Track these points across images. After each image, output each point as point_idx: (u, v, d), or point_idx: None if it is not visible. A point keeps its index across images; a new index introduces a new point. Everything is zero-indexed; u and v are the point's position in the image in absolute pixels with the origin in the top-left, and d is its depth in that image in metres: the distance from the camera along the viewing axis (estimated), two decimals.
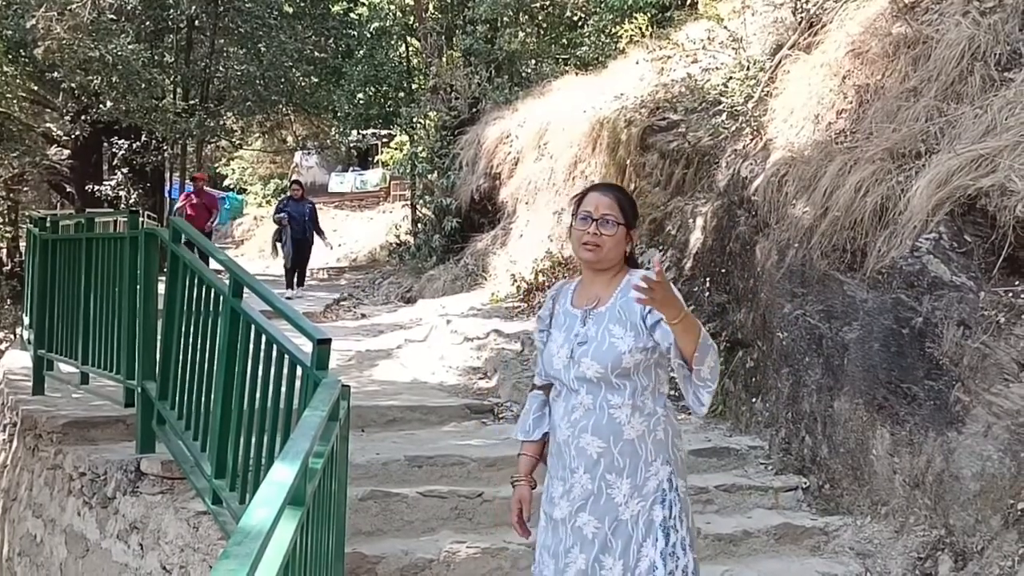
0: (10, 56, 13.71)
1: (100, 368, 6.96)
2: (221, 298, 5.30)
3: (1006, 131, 6.04)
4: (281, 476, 2.42)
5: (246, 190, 42.87)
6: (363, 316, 15.05)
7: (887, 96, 7.15)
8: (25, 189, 22.37)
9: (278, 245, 18.88)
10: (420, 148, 19.15)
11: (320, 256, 33.51)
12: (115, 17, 18.01)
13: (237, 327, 5.10)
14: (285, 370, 4.64)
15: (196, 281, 5.61)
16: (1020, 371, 5.42)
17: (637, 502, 3.61)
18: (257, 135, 28.69)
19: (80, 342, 7.16)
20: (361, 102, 21.46)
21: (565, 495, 3.66)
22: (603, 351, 3.59)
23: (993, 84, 6.54)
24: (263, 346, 4.79)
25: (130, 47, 16.23)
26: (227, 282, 5.33)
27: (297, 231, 17.84)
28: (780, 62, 8.73)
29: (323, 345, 4.23)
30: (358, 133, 23.91)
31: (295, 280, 18.11)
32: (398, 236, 21.16)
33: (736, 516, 6.24)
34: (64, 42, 14.31)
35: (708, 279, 8.18)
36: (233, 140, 25.00)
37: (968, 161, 6.02)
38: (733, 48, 9.80)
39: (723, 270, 8.08)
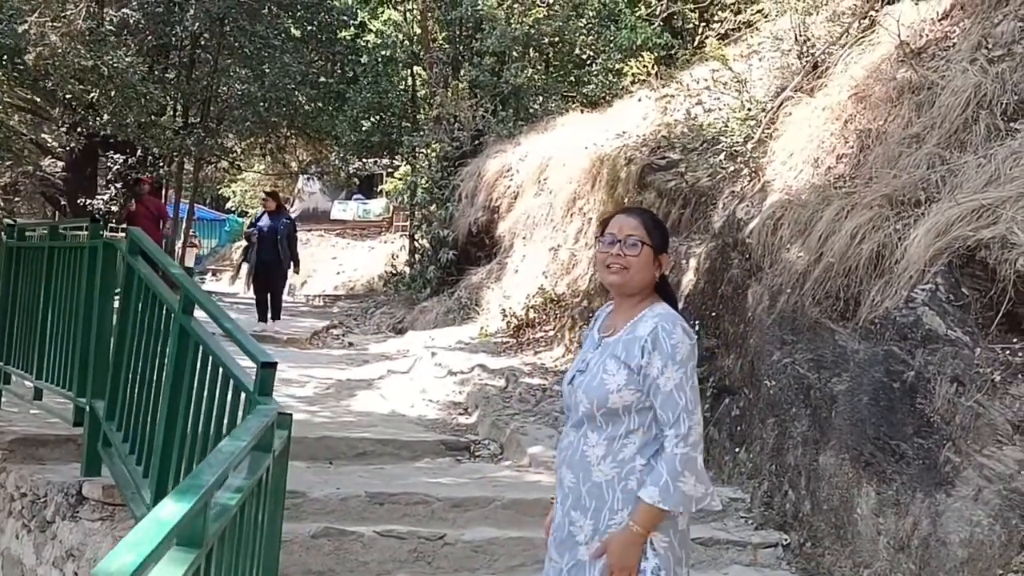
0: (2, 61, 13.47)
1: (52, 383, 6.67)
2: (172, 316, 5.01)
3: (1010, 181, 5.78)
4: (167, 514, 2.14)
5: (247, 213, 42.70)
6: (350, 345, 14.77)
7: (888, 142, 6.91)
8: (17, 200, 22.13)
9: (244, 267, 16.69)
10: (421, 178, 18.93)
11: (320, 282, 33.36)
12: (114, 29, 17.83)
13: (186, 347, 4.81)
14: (230, 395, 4.34)
15: (149, 296, 5.33)
16: (1014, 433, 5.12)
17: (597, 545, 3.38)
18: (259, 158, 28.40)
19: (36, 355, 6.88)
20: (364, 129, 21.27)
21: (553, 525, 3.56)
22: (593, 386, 3.42)
23: (998, 133, 6.29)
24: (209, 368, 4.49)
25: (128, 60, 16.02)
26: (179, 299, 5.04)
27: (265, 250, 15.11)
28: (782, 104, 8.50)
29: (267, 369, 3.94)
30: (359, 160, 23.68)
31: (268, 312, 15.53)
32: (394, 266, 20.91)
33: (711, 572, 5.93)
34: (57, 50, 14.10)
35: (698, 322, 7.89)
36: (232, 160, 24.74)
37: (969, 211, 5.76)
38: (736, 90, 9.58)
39: (714, 313, 7.80)
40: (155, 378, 5.22)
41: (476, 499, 6.18)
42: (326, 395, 10.06)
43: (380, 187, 32.27)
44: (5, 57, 14.02)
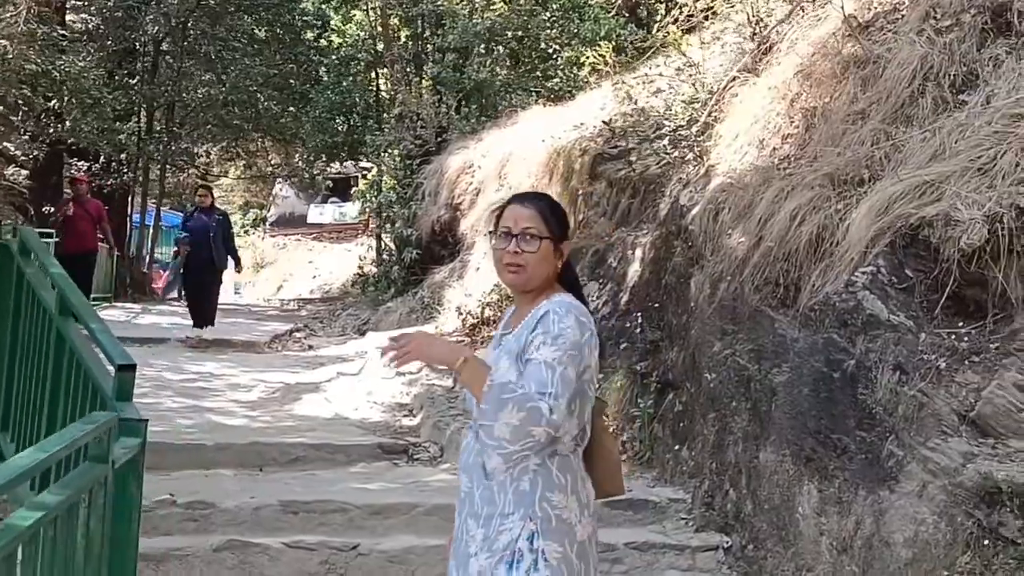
0: None
1: None
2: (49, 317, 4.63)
3: (955, 156, 5.44)
4: None
5: None
6: (310, 348, 14.38)
7: (833, 119, 6.57)
8: None
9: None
10: (386, 177, 18.57)
11: (296, 286, 32.96)
12: (67, 34, 17.43)
13: (62, 351, 4.43)
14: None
15: (32, 299, 4.95)
16: (960, 424, 4.77)
17: (485, 557, 3.05)
18: (234, 163, 28.00)
19: None
20: (328, 130, 20.90)
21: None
22: None
23: (945, 106, 5.95)
24: (82, 373, 4.12)
25: (80, 65, 15.62)
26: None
27: (197, 248, 13.45)
28: (728, 86, 8.15)
29: (125, 372, 3.57)
30: (324, 163, 23.28)
31: (202, 316, 13.88)
32: (361, 267, 20.53)
33: None
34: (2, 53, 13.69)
35: (642, 314, 7.54)
36: (197, 165, 24.33)
37: (912, 188, 5.41)
38: (690, 75, 9.24)
39: (657, 305, 7.44)
40: (41, 385, 4.84)
41: (398, 505, 5.82)
42: (271, 399, 9.69)
43: (355, 189, 31.87)
44: None
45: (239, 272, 16.41)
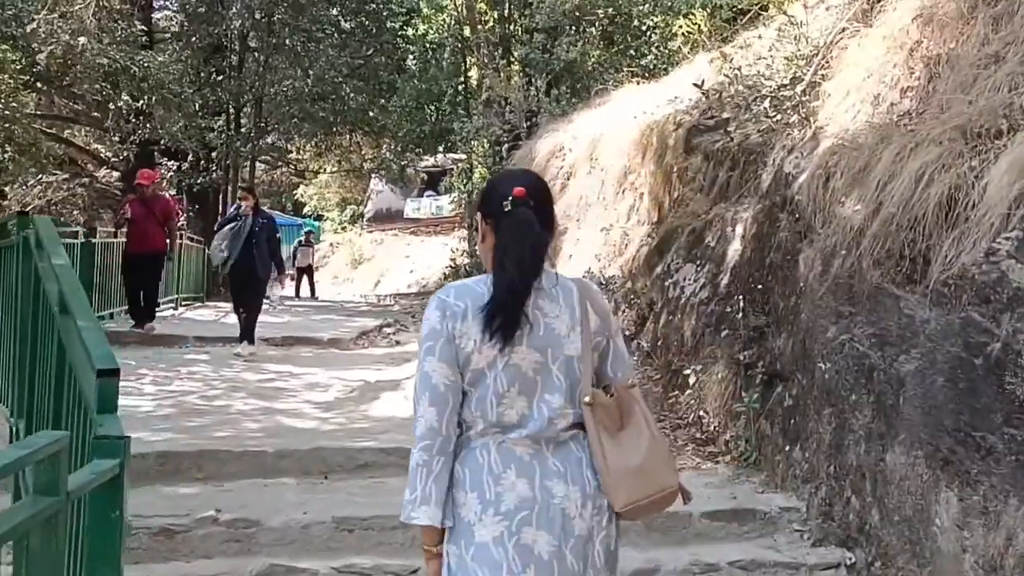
0: (14, 62, 12.78)
1: None
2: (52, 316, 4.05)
3: None
4: None
5: (322, 216, 42.33)
6: (397, 343, 13.83)
7: (961, 66, 5.66)
8: (76, 212, 21.72)
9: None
10: (476, 166, 17.97)
11: (394, 281, 32.62)
12: (145, 29, 17.17)
13: (63, 350, 3.84)
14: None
15: (42, 294, 4.39)
16: None
17: None
18: (327, 158, 27.70)
19: None
20: (415, 119, 20.39)
21: None
22: None
23: None
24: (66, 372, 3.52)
25: (159, 60, 15.33)
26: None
27: (238, 256, 11.72)
28: (836, 39, 7.27)
29: (106, 378, 2.95)
30: (414, 154, 22.76)
31: (245, 330, 12.21)
32: (454, 260, 19.96)
33: None
34: (70, 47, 13.40)
35: (744, 298, 6.72)
36: (289, 162, 24.08)
37: None
38: (792, 35, 8.36)
39: (761, 286, 6.62)
40: (49, 381, 4.29)
41: None
42: (347, 399, 9.11)
43: (449, 182, 31.43)
44: (21, 60, 13.33)
45: (281, 282, 14.85)
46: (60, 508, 2.42)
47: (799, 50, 7.63)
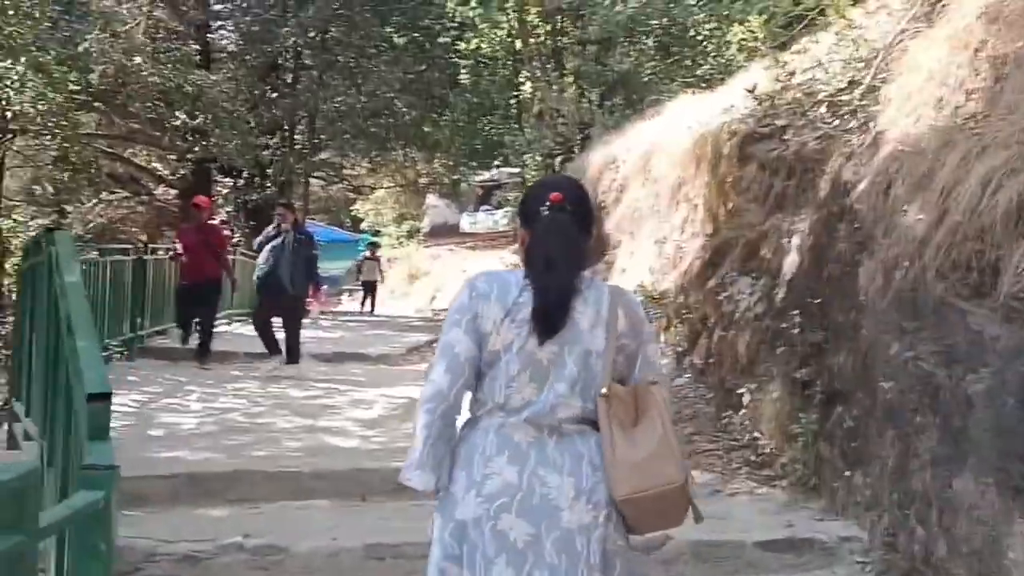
0: (70, 82, 12.79)
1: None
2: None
3: None
4: None
5: (379, 232, 42.40)
6: None
7: None
8: (134, 229, 21.86)
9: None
10: (528, 179, 17.78)
11: (450, 296, 32.35)
12: (199, 48, 17.23)
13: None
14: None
15: (55, 312, 4.22)
16: None
17: None
18: (380, 172, 27.68)
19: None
20: (467, 133, 20.25)
21: None
22: None
23: None
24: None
25: (212, 78, 15.35)
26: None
27: (273, 275, 11.29)
28: (896, 40, 6.93)
29: (96, 402, 2.74)
30: (468, 169, 22.63)
31: (275, 346, 11.68)
32: None
33: None
34: (121, 65, 13.43)
35: (801, 312, 6.40)
36: (345, 178, 24.09)
37: None
38: (850, 38, 8.02)
39: (819, 300, 6.28)
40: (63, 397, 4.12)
41: None
42: (391, 416, 8.91)
43: (503, 195, 31.31)
44: (76, 79, 13.38)
45: (317, 300, 13.83)
46: (28, 547, 2.20)
47: (857, 53, 7.29)
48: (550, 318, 2.79)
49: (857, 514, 5.33)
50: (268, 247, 11.40)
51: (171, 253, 12.28)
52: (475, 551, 2.73)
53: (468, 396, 2.89)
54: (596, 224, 3.17)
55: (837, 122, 6.89)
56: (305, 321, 12.72)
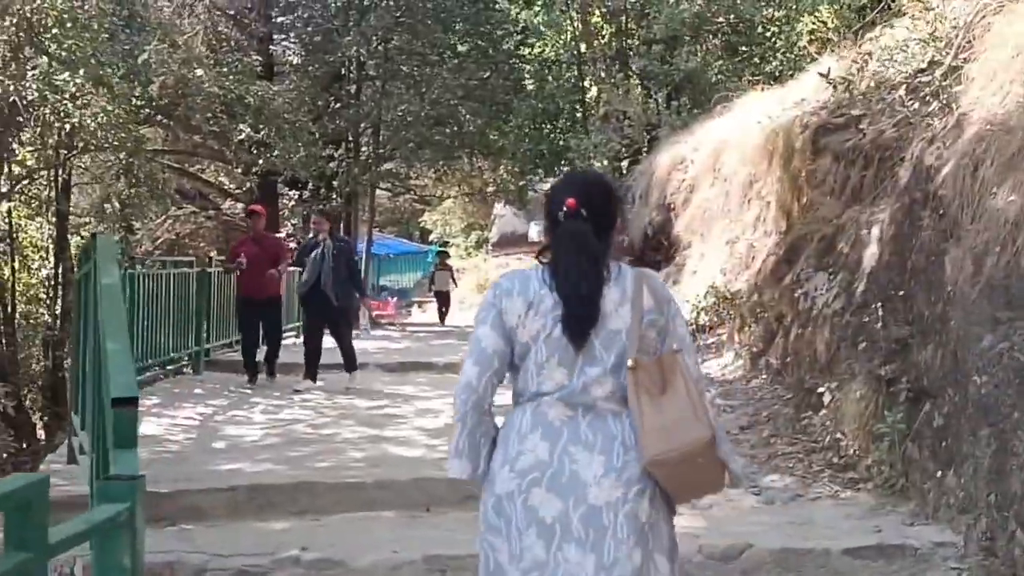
0: (130, 95, 12.78)
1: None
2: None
3: None
4: None
5: (448, 243, 42.32)
6: None
7: None
8: (203, 244, 21.99)
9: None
10: None
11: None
12: (260, 59, 17.23)
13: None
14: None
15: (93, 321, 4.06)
16: None
17: None
18: (446, 182, 27.52)
19: None
20: (532, 138, 20.04)
21: None
22: None
23: None
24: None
25: (273, 89, 15.32)
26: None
27: (317, 289, 10.76)
28: (979, 16, 6.56)
29: (122, 407, 2.53)
30: (534, 176, 22.38)
31: (313, 369, 11.11)
32: None
33: None
34: (181, 77, 13.40)
35: (883, 306, 6.06)
36: (411, 188, 23.98)
37: None
38: (928, 19, 7.65)
39: (902, 293, 5.95)
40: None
41: None
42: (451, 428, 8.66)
43: None
44: (137, 92, 13.40)
45: (365, 305, 13.23)
46: (35, 566, 2.01)
47: (937, 32, 6.93)
48: (580, 326, 2.85)
49: (950, 518, 4.98)
50: (309, 260, 10.86)
51: (233, 265, 11.53)
52: (510, 523, 2.83)
53: (497, 386, 2.94)
54: (620, 215, 3.02)
55: (917, 105, 6.55)
56: (373, 332, 12.47)
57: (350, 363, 11.28)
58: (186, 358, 11.88)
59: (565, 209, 2.92)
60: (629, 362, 2.83)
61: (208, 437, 7.89)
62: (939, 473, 5.15)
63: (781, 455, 6.42)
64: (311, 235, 11.28)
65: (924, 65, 6.65)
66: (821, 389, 6.50)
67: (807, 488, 5.87)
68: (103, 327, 3.30)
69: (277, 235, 11.10)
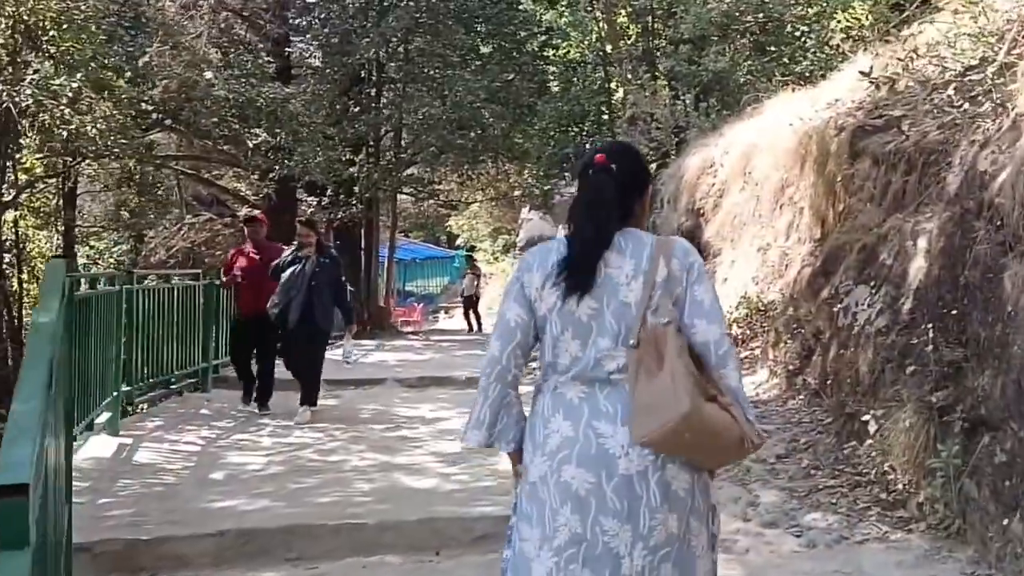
0: (131, 99, 12.30)
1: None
2: None
3: None
4: None
5: (474, 247, 41.92)
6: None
7: None
8: (219, 253, 21.61)
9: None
10: None
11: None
12: (272, 61, 16.80)
13: None
14: None
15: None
16: None
17: None
18: (471, 186, 27.08)
19: None
20: (556, 141, 19.54)
21: None
22: None
23: None
24: None
25: (286, 91, 14.88)
26: None
27: (297, 307, 9.44)
28: None
29: (9, 497, 2.02)
30: (559, 179, 21.90)
31: (309, 392, 9.82)
32: None
33: None
34: (185, 79, 12.97)
35: (933, 326, 5.51)
36: (434, 193, 23.55)
37: None
38: (975, 13, 7.08)
39: (955, 311, 5.40)
40: None
41: None
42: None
43: None
44: (137, 94, 12.93)
45: (351, 331, 11.58)
46: None
47: (987, 26, 6.38)
48: (574, 269, 2.86)
49: (1015, 566, 4.44)
50: (284, 276, 9.56)
51: (228, 281, 10.49)
52: (544, 507, 2.83)
53: (523, 359, 2.96)
54: (651, 183, 3.19)
55: (966, 105, 6.00)
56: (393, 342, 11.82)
57: (310, 397, 9.84)
58: (193, 375, 11.42)
59: (594, 164, 2.98)
60: (631, 341, 2.82)
61: (206, 466, 7.42)
62: (1003, 516, 4.60)
63: (823, 489, 5.88)
64: (294, 246, 9.81)
65: (975, 62, 6.10)
66: (866, 416, 5.95)
67: (852, 528, 5.32)
68: (20, 381, 2.79)
69: (284, 246, 9.78)
